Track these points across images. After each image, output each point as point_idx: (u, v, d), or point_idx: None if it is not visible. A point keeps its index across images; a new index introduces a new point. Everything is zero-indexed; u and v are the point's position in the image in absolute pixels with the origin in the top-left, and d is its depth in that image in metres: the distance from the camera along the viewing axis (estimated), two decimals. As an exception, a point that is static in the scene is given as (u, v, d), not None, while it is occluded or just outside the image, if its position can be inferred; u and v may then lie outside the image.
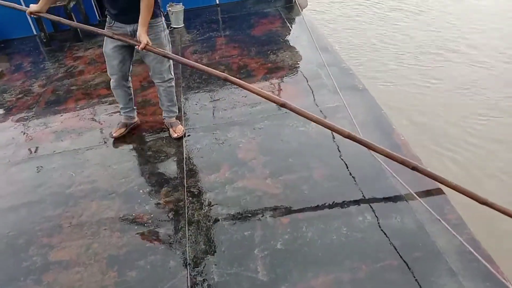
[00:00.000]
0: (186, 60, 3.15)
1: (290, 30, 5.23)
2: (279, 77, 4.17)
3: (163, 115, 3.44)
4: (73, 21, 5.43)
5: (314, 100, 3.67)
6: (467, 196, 2.34)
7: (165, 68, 3.16)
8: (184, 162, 3.07)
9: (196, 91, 4.09)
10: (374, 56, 6.04)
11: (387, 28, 6.91)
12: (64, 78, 4.79)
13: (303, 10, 5.77)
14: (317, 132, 3.21)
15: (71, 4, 5.55)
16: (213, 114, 3.68)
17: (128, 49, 3.08)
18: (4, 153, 3.54)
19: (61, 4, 5.47)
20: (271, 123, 3.41)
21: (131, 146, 3.39)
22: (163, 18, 3.08)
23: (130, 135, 3.51)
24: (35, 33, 6.16)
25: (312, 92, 3.81)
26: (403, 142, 2.95)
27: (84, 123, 3.83)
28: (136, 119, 3.55)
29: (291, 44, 4.86)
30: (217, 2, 6.30)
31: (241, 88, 3.75)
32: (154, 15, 2.93)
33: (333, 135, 3.12)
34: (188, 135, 3.38)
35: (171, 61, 3.17)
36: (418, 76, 5.44)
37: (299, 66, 4.36)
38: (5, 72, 5.26)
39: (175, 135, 3.35)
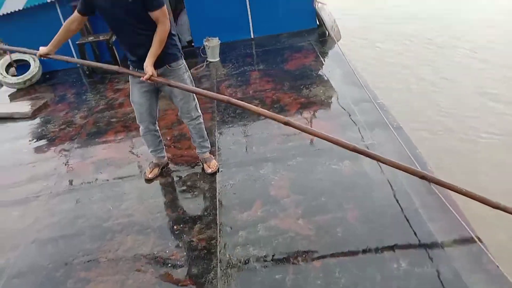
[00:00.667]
0: (201, 90, 3.22)
1: (324, 64, 5.29)
2: (312, 113, 4.20)
3: (196, 150, 3.53)
4: (116, 56, 5.74)
5: (347, 137, 3.65)
6: (479, 202, 2.34)
7: (192, 107, 3.24)
8: (217, 198, 3.12)
9: (230, 126, 4.17)
10: (408, 97, 5.92)
11: (428, 69, 6.75)
12: (104, 110, 5.00)
13: (337, 43, 5.84)
14: (351, 170, 3.21)
15: (113, 38, 5.82)
16: (246, 149, 3.73)
17: (153, 94, 3.18)
18: (47, 184, 3.70)
19: (103, 38, 5.76)
20: (303, 160, 3.43)
21: (167, 180, 3.48)
22: (184, 60, 3.13)
23: (167, 167, 3.61)
24: (78, 65, 6.48)
25: (345, 128, 3.81)
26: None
27: (123, 155, 3.97)
28: (166, 157, 3.63)
29: (325, 79, 4.90)
30: (252, 36, 6.46)
31: (275, 123, 3.87)
32: (176, 58, 3.01)
33: (367, 175, 3.11)
34: (221, 171, 3.44)
35: (196, 99, 3.25)
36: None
37: (332, 102, 4.38)
38: (49, 102, 5.55)
39: (209, 170, 3.42)
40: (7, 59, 6.21)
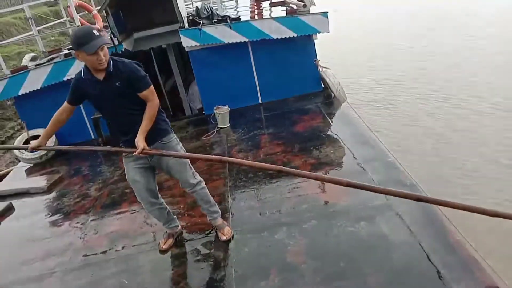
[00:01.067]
0: (195, 154, 3.45)
1: (331, 125, 5.38)
2: (324, 173, 4.21)
3: (208, 218, 3.52)
4: (101, 132, 5.95)
5: (362, 197, 3.64)
6: (477, 213, 2.26)
7: (190, 175, 3.27)
8: (233, 267, 3.06)
9: (242, 190, 4.18)
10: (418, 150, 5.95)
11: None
12: (119, 181, 5.06)
13: (343, 104, 5.98)
14: (368, 232, 3.16)
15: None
16: (260, 214, 3.71)
17: (149, 171, 3.22)
18: (62, 259, 3.68)
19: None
20: (318, 223, 3.39)
21: (181, 251, 3.44)
22: (174, 134, 3.22)
23: (180, 238, 3.58)
24: (93, 137, 6.68)
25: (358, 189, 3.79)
26: (459, 240, 2.82)
27: (137, 226, 3.96)
28: (179, 226, 3.62)
29: (334, 139, 4.96)
30: (260, 101, 6.65)
31: (287, 185, 3.90)
32: (166, 132, 3.11)
33: (384, 237, 3.04)
34: (236, 237, 3.40)
35: (193, 167, 3.30)
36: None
37: (342, 162, 4.41)
38: (64, 176, 5.65)
39: (223, 238, 3.39)
40: (24, 135, 6.42)
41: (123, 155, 3.23)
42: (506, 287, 2.41)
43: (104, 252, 3.68)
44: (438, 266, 2.66)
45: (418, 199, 2.53)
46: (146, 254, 3.50)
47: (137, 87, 2.88)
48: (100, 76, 2.85)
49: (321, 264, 2.91)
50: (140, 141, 2.87)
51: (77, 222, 4.33)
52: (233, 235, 3.42)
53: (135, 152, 2.87)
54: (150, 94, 2.92)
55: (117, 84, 2.85)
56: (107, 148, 3.18)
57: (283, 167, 2.81)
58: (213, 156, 3.20)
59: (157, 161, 3.15)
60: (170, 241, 3.50)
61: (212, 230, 3.56)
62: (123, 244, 3.72)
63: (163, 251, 3.44)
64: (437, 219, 3.05)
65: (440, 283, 2.54)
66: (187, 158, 3.23)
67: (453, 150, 5.96)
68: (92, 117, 6.12)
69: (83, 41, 2.65)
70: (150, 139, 2.96)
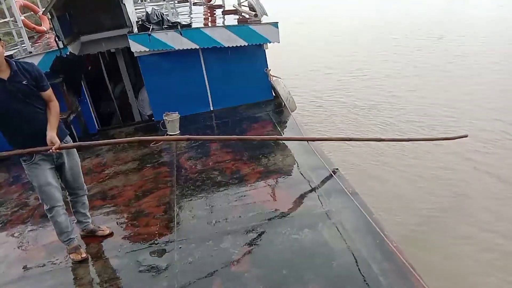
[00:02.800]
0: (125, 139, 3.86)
1: (281, 133, 5.44)
2: (271, 182, 4.25)
3: (82, 226, 3.66)
4: (73, 134, 5.72)
5: (306, 205, 3.71)
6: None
7: (82, 180, 3.50)
8: (176, 278, 3.01)
9: (190, 199, 4.14)
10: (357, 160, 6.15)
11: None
12: (61, 188, 4.84)
13: (292, 113, 6.08)
14: (310, 239, 3.21)
15: (71, 117, 5.83)
16: (206, 223, 3.68)
17: (55, 172, 3.28)
18: (-6, 273, 3.47)
19: (61, 117, 5.74)
20: (264, 231, 3.41)
21: (123, 261, 3.34)
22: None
23: (123, 247, 3.49)
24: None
25: (304, 197, 3.86)
26: (396, 248, 2.93)
27: (78, 236, 3.80)
28: (90, 221, 3.71)
29: (282, 148, 5.02)
30: (212, 109, 6.63)
31: (235, 193, 3.91)
32: (66, 133, 3.27)
33: (326, 244, 3.11)
34: (180, 247, 3.35)
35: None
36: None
37: (290, 170, 4.47)
38: (2, 184, 5.36)
39: (106, 233, 3.65)
40: None
41: (25, 161, 3.14)
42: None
43: (42, 264, 3.50)
44: (376, 272, 2.74)
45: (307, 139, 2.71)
46: (86, 265, 3.37)
47: (42, 85, 3.00)
48: (4, 75, 2.86)
49: (264, 272, 2.93)
50: (54, 138, 2.97)
51: (14, 233, 4.10)
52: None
53: (52, 148, 2.95)
54: (52, 94, 3.09)
55: (23, 82, 2.92)
56: (18, 151, 3.06)
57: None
58: (180, 136, 3.32)
59: (62, 162, 3.26)
60: (81, 250, 3.44)
61: (156, 240, 3.50)
62: (63, 256, 3.56)
63: (103, 263, 3.34)
64: (375, 228, 3.15)
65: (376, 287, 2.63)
66: (118, 143, 3.67)
67: (397, 157, 6.23)
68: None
69: None
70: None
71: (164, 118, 5.89)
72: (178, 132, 5.98)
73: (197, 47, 5.99)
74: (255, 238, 3.34)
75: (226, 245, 3.30)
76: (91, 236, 3.68)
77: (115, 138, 6.23)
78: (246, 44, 6.05)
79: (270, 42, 6.16)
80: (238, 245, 3.28)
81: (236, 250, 3.22)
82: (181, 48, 5.89)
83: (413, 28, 15.15)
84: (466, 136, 5.53)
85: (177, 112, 5.95)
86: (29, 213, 4.43)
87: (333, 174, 4.07)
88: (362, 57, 12.04)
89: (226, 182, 4.35)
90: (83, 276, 3.24)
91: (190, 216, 3.83)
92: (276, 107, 6.35)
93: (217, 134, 5.88)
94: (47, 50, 5.96)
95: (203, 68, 6.37)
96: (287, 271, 2.90)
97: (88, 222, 3.67)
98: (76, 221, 3.67)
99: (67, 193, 3.53)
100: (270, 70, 6.49)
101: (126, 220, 3.92)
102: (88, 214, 3.66)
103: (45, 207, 3.29)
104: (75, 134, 5.86)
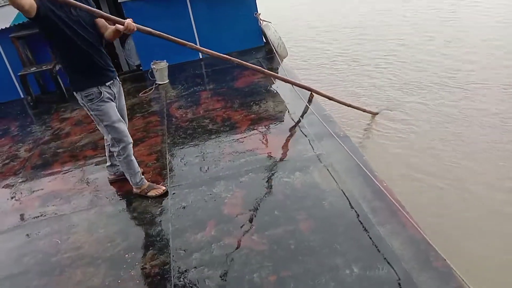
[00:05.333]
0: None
1: (272, 80, 5.37)
2: (263, 128, 4.23)
3: (116, 169, 3.63)
4: (60, 85, 5.60)
5: (297, 149, 3.72)
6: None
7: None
8: (170, 222, 3.05)
9: (181, 147, 4.13)
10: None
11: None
12: (51, 141, 4.82)
13: (284, 60, 5.97)
14: (302, 181, 3.24)
15: (57, 67, 5.68)
16: (199, 169, 3.70)
17: None
18: (-11, 223, 3.50)
19: (46, 68, 5.61)
20: (256, 175, 3.43)
21: (117, 208, 3.38)
22: None
23: (117, 195, 3.52)
24: (22, 96, 6.26)
25: (295, 141, 3.87)
26: (385, 187, 2.97)
27: (70, 186, 3.83)
28: None
29: (274, 95, 4.98)
30: (201, 57, 6.49)
31: (227, 140, 3.91)
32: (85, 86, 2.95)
33: (317, 186, 3.14)
34: (173, 193, 3.38)
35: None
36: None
37: (281, 116, 4.44)
38: (-9, 137, 5.30)
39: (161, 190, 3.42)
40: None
41: (93, 100, 2.97)
42: (422, 228, 2.60)
43: (36, 213, 3.53)
44: (366, 210, 2.80)
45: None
46: (80, 213, 3.41)
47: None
48: None
49: (256, 213, 2.98)
50: (126, 20, 2.86)
51: (6, 185, 4.11)
52: (167, 192, 3.40)
53: (127, 25, 2.82)
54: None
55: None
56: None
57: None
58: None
59: (118, 97, 3.19)
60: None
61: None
62: (56, 204, 3.59)
63: (100, 206, 3.39)
64: (365, 167, 3.18)
65: (367, 226, 2.68)
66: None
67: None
68: (19, 74, 5.71)
69: None
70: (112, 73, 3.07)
71: (152, 67, 5.77)
72: (167, 81, 5.88)
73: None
74: (247, 183, 3.36)
75: (218, 190, 3.33)
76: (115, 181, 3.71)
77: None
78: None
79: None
80: (230, 189, 3.31)
81: (229, 194, 3.25)
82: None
83: None
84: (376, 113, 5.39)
85: (165, 61, 5.81)
86: (21, 164, 4.42)
87: (325, 118, 4.06)
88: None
89: (217, 129, 4.33)
90: (78, 223, 3.27)
91: (182, 163, 3.83)
92: (267, 54, 6.22)
93: (207, 83, 5.79)
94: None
95: (191, 15, 6.16)
96: (279, 212, 2.95)
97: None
98: (109, 164, 3.64)
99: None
100: (260, 14, 6.30)
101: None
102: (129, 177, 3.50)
103: (118, 147, 3.16)
104: (61, 84, 5.74)
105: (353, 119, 5.31)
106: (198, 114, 4.76)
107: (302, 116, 4.29)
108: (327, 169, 3.31)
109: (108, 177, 3.73)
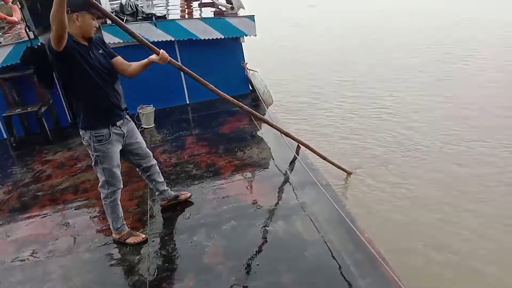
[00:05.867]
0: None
1: (257, 127, 5.44)
2: (246, 175, 4.24)
3: (167, 194, 3.70)
4: (45, 127, 5.58)
5: (280, 197, 3.73)
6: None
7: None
8: (148, 272, 2.98)
9: (164, 192, 4.08)
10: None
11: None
12: (31, 183, 4.74)
13: (269, 107, 6.08)
14: (284, 231, 3.23)
15: (42, 109, 5.68)
16: (180, 216, 3.65)
17: None
18: (-41, 269, 3.36)
19: (32, 110, 5.61)
20: (238, 224, 3.40)
21: (94, 255, 3.29)
22: None
23: (95, 242, 3.44)
24: (5, 137, 6.20)
25: (278, 189, 3.88)
26: (367, 239, 2.97)
27: (48, 231, 3.72)
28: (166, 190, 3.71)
29: (258, 141, 5.02)
30: (188, 102, 6.57)
31: (209, 186, 3.89)
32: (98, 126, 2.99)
33: (299, 236, 3.12)
34: (153, 241, 3.32)
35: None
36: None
37: (265, 163, 4.47)
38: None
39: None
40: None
41: (101, 141, 2.98)
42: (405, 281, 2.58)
43: (9, 259, 3.41)
44: (347, 262, 2.78)
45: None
46: (56, 259, 3.30)
47: (111, 51, 3.05)
48: (84, 43, 2.83)
49: (238, 264, 2.93)
50: (161, 50, 3.09)
51: (-19, 228, 3.98)
52: (147, 240, 3.34)
53: (161, 57, 3.07)
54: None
55: (100, 51, 2.94)
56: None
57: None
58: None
59: (128, 141, 3.21)
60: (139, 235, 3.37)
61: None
62: (32, 250, 3.48)
63: (74, 257, 3.28)
64: (347, 218, 3.18)
65: (348, 278, 2.66)
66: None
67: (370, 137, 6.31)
68: (3, 114, 5.68)
69: (93, 3, 2.72)
70: (121, 114, 3.12)
71: (139, 111, 5.80)
72: (153, 125, 5.91)
73: (173, 39, 5.92)
74: (228, 231, 3.33)
75: (199, 238, 3.28)
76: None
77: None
78: (222, 36, 6.00)
79: (246, 35, 6.13)
80: (211, 237, 3.26)
81: (210, 242, 3.21)
82: (156, 40, 5.79)
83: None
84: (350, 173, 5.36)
85: (152, 105, 5.87)
86: (-2, 207, 4.32)
87: (308, 166, 4.09)
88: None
89: (201, 175, 4.32)
90: (53, 271, 3.16)
91: (163, 210, 3.79)
92: (253, 101, 6.33)
93: (193, 128, 5.83)
94: (17, 41, 5.78)
95: (179, 61, 6.28)
96: (260, 262, 2.91)
97: (168, 188, 3.69)
98: (158, 193, 3.65)
99: (142, 169, 3.45)
100: (247, 63, 6.47)
101: (98, 214, 3.85)
102: (163, 180, 3.63)
103: (108, 190, 3.12)
104: (46, 126, 5.72)
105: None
106: (182, 159, 4.76)
107: (285, 163, 4.32)
108: (310, 218, 3.31)
109: (160, 203, 3.77)
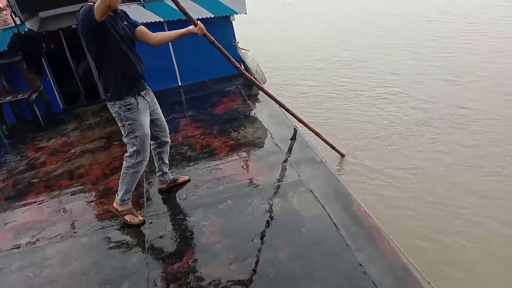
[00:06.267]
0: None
1: (250, 106, 5.41)
2: (241, 154, 4.23)
3: (167, 176, 3.70)
4: (36, 114, 5.52)
5: (276, 175, 3.73)
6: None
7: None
8: (147, 252, 2.99)
9: (159, 175, 4.08)
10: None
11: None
12: (25, 171, 4.72)
13: (263, 85, 6.03)
14: (280, 208, 3.24)
15: (33, 96, 5.62)
16: (176, 197, 3.66)
17: None
18: (-42, 257, 3.36)
19: (22, 97, 5.54)
20: (234, 203, 3.41)
21: (92, 239, 3.29)
22: None
23: (92, 225, 3.44)
24: (-4, 126, 6.14)
25: (274, 167, 3.87)
26: (362, 213, 2.99)
27: (45, 217, 3.72)
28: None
29: (252, 121, 5.00)
30: (180, 84, 6.51)
31: (205, 167, 3.88)
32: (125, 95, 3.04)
33: (296, 212, 3.14)
34: (150, 222, 3.33)
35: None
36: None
37: (260, 142, 4.46)
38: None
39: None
40: None
41: (131, 109, 3.04)
42: (401, 253, 2.61)
43: (8, 245, 3.41)
44: (344, 237, 2.79)
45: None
46: (54, 245, 3.31)
47: (133, 22, 3.11)
48: (111, 15, 2.88)
49: (235, 242, 2.94)
50: (198, 23, 3.28)
51: (-23, 217, 3.97)
52: (144, 222, 3.35)
53: (199, 26, 3.26)
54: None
55: (124, 23, 3.01)
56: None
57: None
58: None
59: (153, 108, 3.30)
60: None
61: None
62: (29, 237, 3.48)
63: (75, 236, 3.31)
64: (343, 193, 3.20)
65: (345, 253, 2.68)
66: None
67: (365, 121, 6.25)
68: (-6, 102, 5.62)
69: None
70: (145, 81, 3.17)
71: (131, 95, 5.74)
72: (146, 108, 5.86)
73: (162, 19, 5.83)
74: (225, 210, 3.34)
75: (196, 218, 3.29)
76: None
77: (81, 116, 6.08)
78: (212, 15, 5.92)
79: (236, 13, 6.04)
80: (208, 217, 3.27)
81: (207, 222, 3.22)
82: (144, 21, 5.70)
83: None
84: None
85: (144, 88, 5.81)
86: (-7, 196, 4.30)
87: (302, 144, 4.10)
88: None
89: (196, 156, 4.31)
90: (52, 255, 3.17)
91: (159, 191, 3.79)
92: (246, 80, 6.28)
93: (187, 110, 5.80)
94: (3, 27, 5.67)
95: (169, 42, 6.20)
96: (257, 240, 2.93)
97: (169, 172, 3.72)
98: (160, 174, 3.64)
99: (158, 143, 3.47)
100: (238, 42, 6.39)
101: (95, 199, 3.85)
102: (168, 163, 3.66)
103: (135, 160, 3.16)
104: (38, 113, 5.66)
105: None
106: (176, 141, 4.74)
107: (280, 141, 4.31)
108: (306, 195, 3.32)
109: (158, 187, 3.76)
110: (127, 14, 3.13)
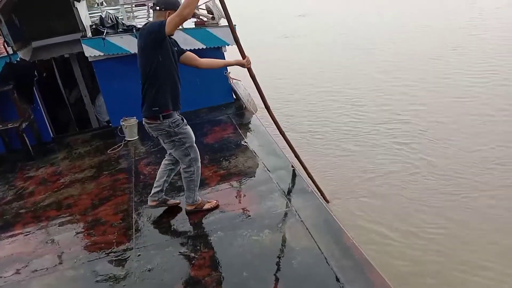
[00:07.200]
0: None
1: (242, 136, 5.44)
2: (232, 184, 4.22)
3: (162, 195, 3.75)
4: (26, 142, 5.49)
5: (266, 205, 3.71)
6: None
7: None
8: (134, 286, 2.93)
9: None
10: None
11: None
12: (13, 201, 4.65)
13: (253, 115, 6.09)
14: (271, 240, 3.21)
15: (24, 125, 5.60)
16: (165, 229, 3.62)
17: None
18: None
19: (12, 126, 5.52)
20: (224, 234, 3.38)
21: (79, 272, 3.23)
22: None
23: (79, 258, 3.38)
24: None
25: (265, 197, 3.86)
26: (352, 244, 2.97)
27: (31, 249, 3.65)
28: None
29: (243, 150, 5.01)
30: (171, 113, 6.53)
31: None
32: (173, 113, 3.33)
33: (286, 244, 3.12)
34: (139, 255, 3.28)
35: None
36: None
37: (251, 171, 4.46)
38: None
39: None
40: None
41: (179, 125, 3.34)
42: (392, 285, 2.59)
43: (-7, 280, 3.34)
44: (335, 269, 2.77)
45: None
46: (39, 278, 3.23)
47: (181, 49, 3.48)
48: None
49: (225, 275, 2.90)
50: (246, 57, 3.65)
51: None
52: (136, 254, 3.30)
53: (247, 59, 3.63)
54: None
55: (174, 48, 3.30)
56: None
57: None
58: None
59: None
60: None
61: (113, 249, 3.40)
62: (15, 270, 3.40)
63: (59, 275, 3.22)
64: (333, 225, 3.19)
65: (336, 285, 2.65)
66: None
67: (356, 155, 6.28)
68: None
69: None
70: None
71: (122, 124, 5.76)
72: (137, 137, 5.87)
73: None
74: (215, 242, 3.30)
75: (186, 250, 3.25)
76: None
77: (71, 145, 6.05)
78: (204, 47, 6.02)
79: (228, 45, 6.15)
80: (198, 249, 3.24)
81: (196, 254, 3.18)
82: (136, 52, 5.76)
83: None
84: None
85: (135, 117, 5.83)
86: (-21, 227, 4.22)
87: (293, 174, 4.10)
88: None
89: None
90: (36, 290, 3.10)
91: (149, 222, 3.75)
92: (237, 110, 6.34)
93: (178, 138, 5.80)
94: (-5, 57, 5.71)
95: None
96: (248, 273, 2.88)
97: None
98: (158, 190, 3.69)
99: (174, 161, 3.64)
100: (230, 73, 6.48)
101: (83, 230, 3.80)
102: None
103: (195, 167, 3.52)
104: (28, 142, 5.63)
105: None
106: (167, 171, 4.72)
107: (271, 170, 4.32)
108: (296, 226, 3.30)
109: (149, 204, 3.76)
110: (176, 42, 3.41)
